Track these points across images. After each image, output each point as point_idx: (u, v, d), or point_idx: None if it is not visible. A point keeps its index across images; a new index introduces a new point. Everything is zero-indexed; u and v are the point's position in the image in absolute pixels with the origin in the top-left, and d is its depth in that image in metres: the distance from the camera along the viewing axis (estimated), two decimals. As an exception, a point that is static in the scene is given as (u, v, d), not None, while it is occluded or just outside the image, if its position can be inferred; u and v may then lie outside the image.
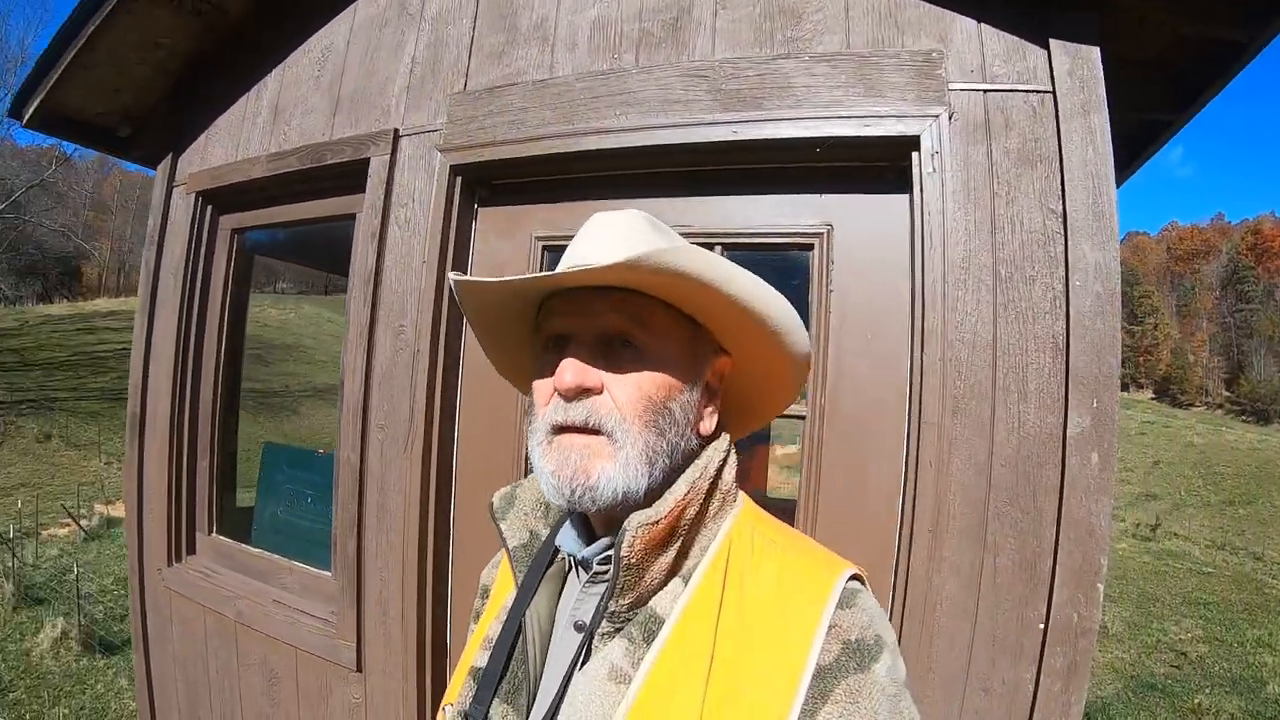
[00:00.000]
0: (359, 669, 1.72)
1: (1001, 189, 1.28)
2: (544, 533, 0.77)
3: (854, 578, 0.67)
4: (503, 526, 0.78)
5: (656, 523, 0.63)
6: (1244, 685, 5.94)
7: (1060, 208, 1.24)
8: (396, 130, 1.78)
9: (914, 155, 1.33)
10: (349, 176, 1.85)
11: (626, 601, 0.65)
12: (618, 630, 0.65)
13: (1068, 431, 1.19)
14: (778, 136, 1.39)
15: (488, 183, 1.75)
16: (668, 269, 0.62)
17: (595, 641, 0.66)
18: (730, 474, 0.72)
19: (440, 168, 1.70)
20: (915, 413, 1.30)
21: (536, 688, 0.69)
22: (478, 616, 0.87)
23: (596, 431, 0.65)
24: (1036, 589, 1.21)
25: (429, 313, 1.68)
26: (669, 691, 0.61)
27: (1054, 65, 1.25)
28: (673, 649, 0.62)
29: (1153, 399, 62.64)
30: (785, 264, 1.57)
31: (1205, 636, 7.60)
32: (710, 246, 1.52)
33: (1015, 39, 1.30)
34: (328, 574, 1.87)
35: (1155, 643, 7.30)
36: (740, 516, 0.71)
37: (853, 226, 1.44)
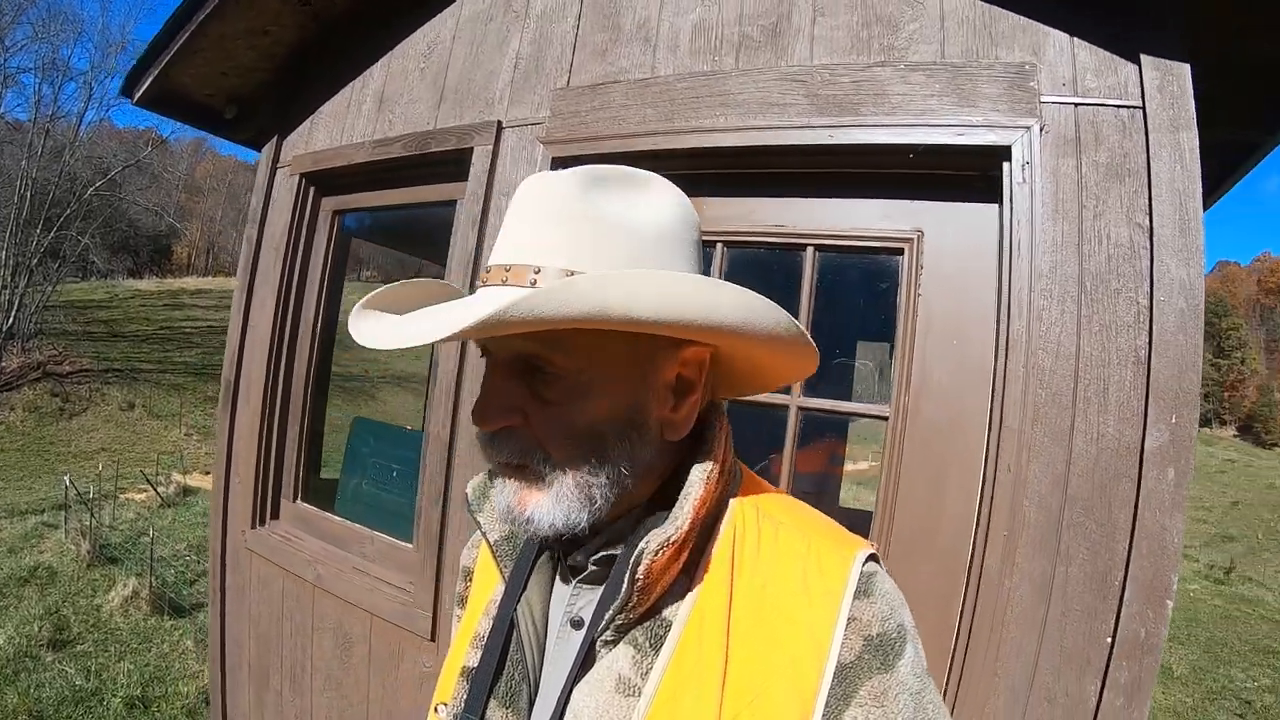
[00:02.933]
0: (432, 638, 2.09)
1: (1089, 202, 1.51)
2: None
3: (869, 557, 0.70)
4: (480, 519, 0.80)
5: (675, 542, 0.66)
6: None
7: (1147, 223, 1.46)
8: (500, 122, 2.15)
9: (1005, 165, 1.57)
10: (451, 164, 2.24)
11: (636, 616, 0.67)
12: (621, 636, 0.68)
13: (1145, 446, 1.41)
14: (872, 142, 1.67)
15: (584, 177, 2.09)
16: (542, 318, 0.58)
17: (598, 647, 0.69)
18: (724, 452, 0.73)
19: (542, 159, 2.05)
20: (997, 419, 1.54)
21: (536, 691, 0.73)
22: (461, 601, 0.93)
23: (523, 468, 0.68)
24: (1106, 601, 1.43)
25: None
26: (682, 702, 0.64)
27: (1144, 80, 1.48)
28: (683, 655, 0.65)
29: (1236, 436, 63.71)
30: (874, 267, 1.85)
31: (1273, 686, 7.79)
32: (803, 247, 1.81)
33: (1106, 53, 1.53)
34: (408, 545, 2.26)
35: (1221, 689, 7.65)
36: (742, 494, 0.74)
37: (941, 233, 1.70)
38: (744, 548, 0.69)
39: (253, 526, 2.59)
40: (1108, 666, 1.40)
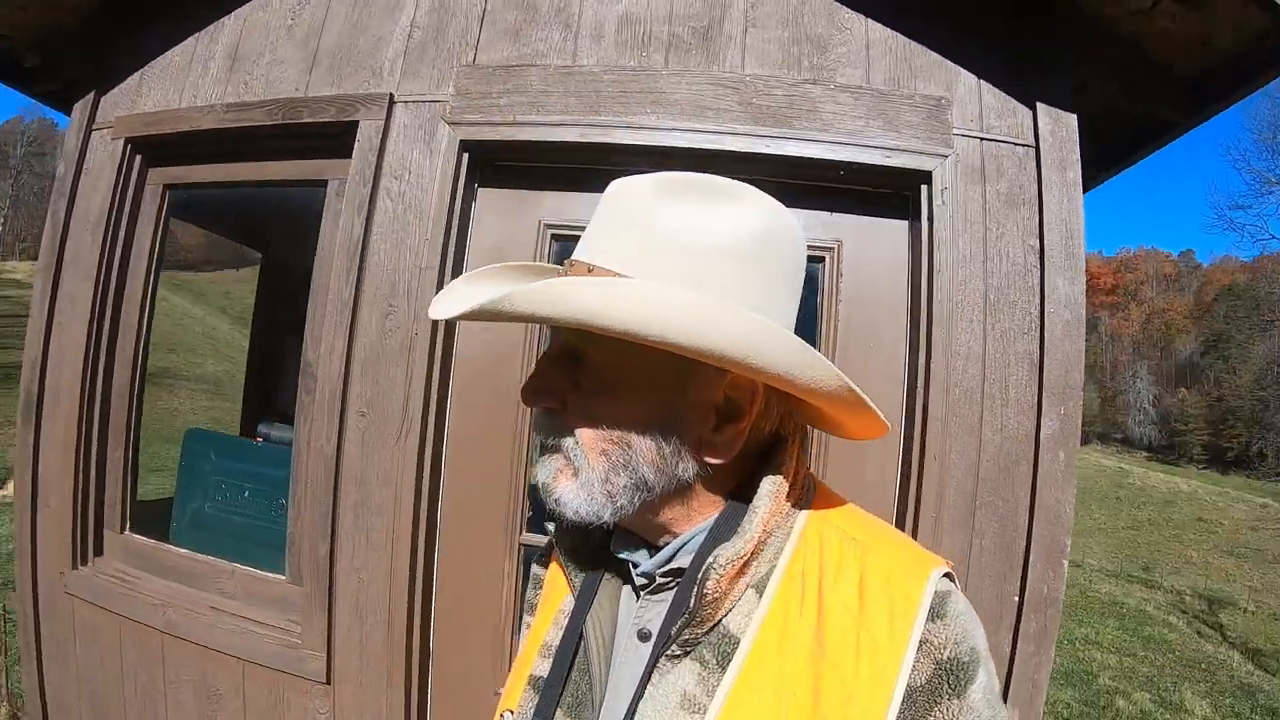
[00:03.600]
0: (327, 680, 1.83)
1: (992, 225, 1.72)
2: (597, 533, 0.78)
3: (944, 575, 0.69)
4: (551, 528, 0.83)
5: (742, 557, 0.66)
6: (1076, 678, 7.36)
7: (1038, 245, 1.70)
8: (391, 95, 1.90)
9: (923, 188, 1.73)
10: (327, 138, 1.94)
11: (702, 631, 0.67)
12: (688, 652, 0.67)
13: (1040, 433, 1.65)
14: (808, 156, 1.74)
15: (492, 162, 1.93)
16: (512, 313, 0.61)
17: (663, 661, 0.68)
18: (797, 466, 0.73)
19: (448, 142, 1.85)
20: (920, 413, 1.70)
21: (602, 702, 0.73)
22: (531, 609, 0.93)
23: (557, 450, 0.70)
24: (1012, 566, 1.66)
25: (431, 294, 1.83)
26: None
27: (1039, 124, 1.71)
28: (750, 673, 0.65)
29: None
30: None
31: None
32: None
33: (1007, 97, 1.75)
34: (279, 577, 1.94)
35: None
36: (814, 513, 0.73)
37: (858, 244, 1.83)
38: (817, 564, 0.69)
39: (74, 566, 2.04)
40: (1018, 620, 1.63)
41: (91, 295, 2.03)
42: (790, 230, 0.70)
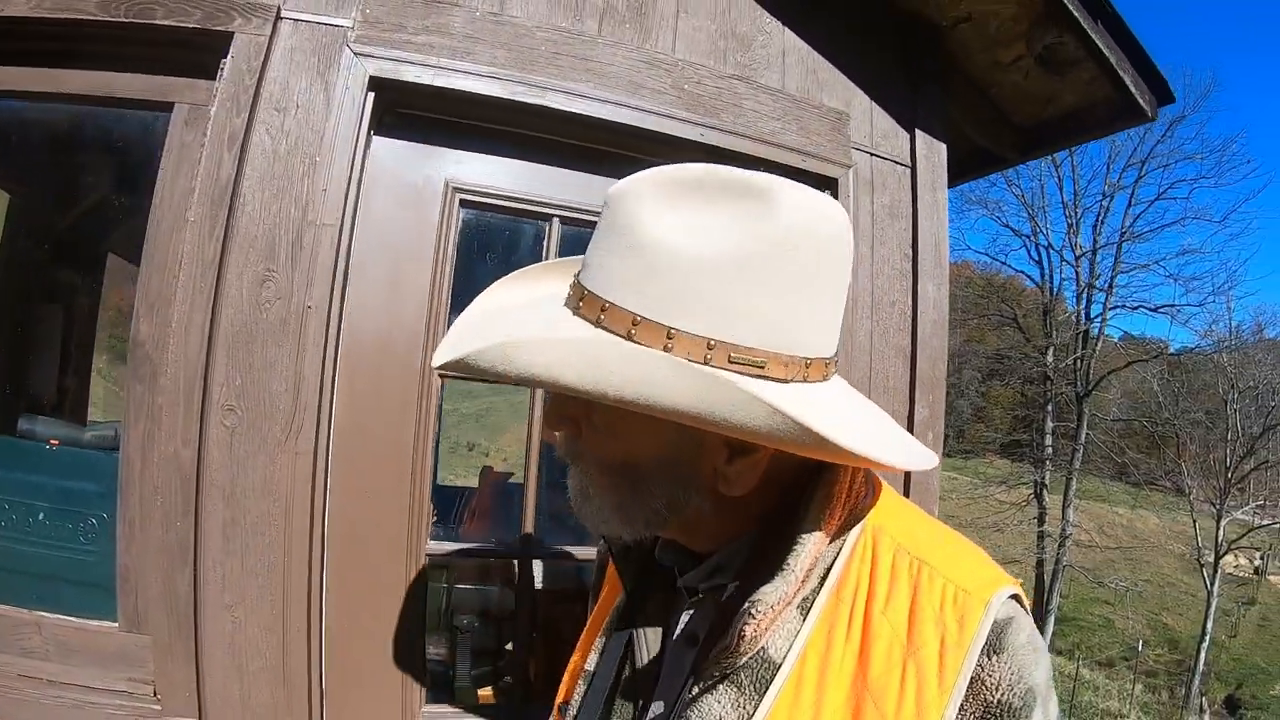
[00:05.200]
0: (202, 745, 1.41)
1: (879, 233, 1.91)
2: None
3: (1011, 597, 0.63)
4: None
5: (786, 601, 0.62)
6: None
7: (911, 253, 1.93)
8: (278, 9, 1.49)
9: (826, 193, 1.86)
10: (183, 49, 1.46)
11: (743, 661, 0.63)
12: (726, 675, 0.63)
13: (914, 417, 1.89)
14: (734, 149, 1.75)
15: (394, 108, 1.62)
16: (481, 372, 0.61)
17: (701, 680, 0.65)
18: (850, 477, 0.66)
19: (353, 75, 1.51)
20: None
21: (650, 702, 0.71)
22: (596, 591, 0.92)
23: (575, 473, 0.70)
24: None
25: (329, 256, 1.49)
26: None
27: (915, 148, 1.95)
28: (785, 703, 0.61)
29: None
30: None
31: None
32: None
33: (893, 121, 1.95)
34: (108, 624, 1.42)
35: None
36: (872, 519, 0.67)
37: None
38: (864, 585, 0.64)
39: None
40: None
41: None
42: (815, 225, 0.61)
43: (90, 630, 1.43)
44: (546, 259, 1.67)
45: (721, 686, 0.63)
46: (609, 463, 0.67)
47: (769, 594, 0.60)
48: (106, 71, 1.47)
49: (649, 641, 0.74)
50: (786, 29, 1.87)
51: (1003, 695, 0.58)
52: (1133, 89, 1.79)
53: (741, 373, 0.58)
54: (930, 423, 1.89)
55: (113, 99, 1.50)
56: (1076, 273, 18.92)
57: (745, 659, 0.62)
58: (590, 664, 0.79)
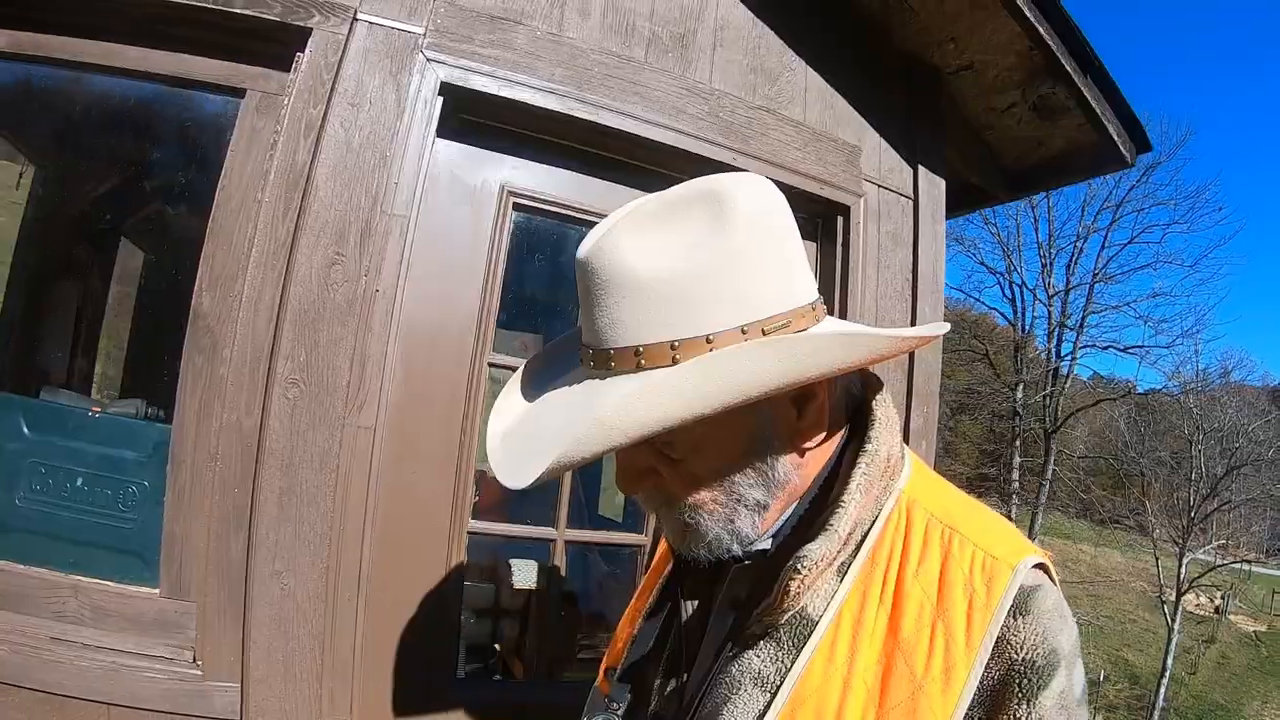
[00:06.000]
0: (241, 718, 1.43)
1: (883, 257, 2.07)
2: None
3: (1036, 565, 0.65)
4: None
5: (830, 559, 0.65)
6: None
7: (912, 277, 2.10)
8: (355, 10, 1.58)
9: (839, 220, 2.02)
10: (259, 39, 1.53)
11: (784, 619, 0.66)
12: (767, 631, 0.66)
13: (910, 427, 2.04)
14: (761, 174, 1.89)
15: (458, 113, 1.71)
16: (608, 448, 0.61)
17: (742, 636, 0.68)
18: (889, 449, 0.70)
19: (425, 79, 1.59)
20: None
21: (693, 663, 0.74)
22: (651, 557, 0.96)
23: (672, 517, 0.71)
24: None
25: (400, 245, 1.57)
26: (813, 706, 0.62)
27: (918, 182, 2.12)
28: (821, 659, 0.63)
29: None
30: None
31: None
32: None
33: (899, 157, 2.13)
34: (148, 590, 1.43)
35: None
36: (906, 491, 0.70)
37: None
38: (899, 548, 0.67)
39: None
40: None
41: None
42: (763, 199, 0.69)
43: (129, 595, 1.43)
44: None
45: (762, 642, 0.66)
46: (705, 480, 0.68)
47: (814, 550, 0.64)
48: (182, 54, 1.53)
49: (694, 605, 0.78)
50: (809, 67, 2.03)
51: (1027, 654, 0.60)
52: (1115, 137, 2.00)
53: (782, 335, 0.65)
54: (924, 432, 2.04)
55: (188, 80, 1.55)
56: (1049, 311, 19.26)
57: (786, 616, 0.65)
58: (639, 630, 0.81)
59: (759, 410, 0.65)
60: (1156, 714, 16.08)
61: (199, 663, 1.43)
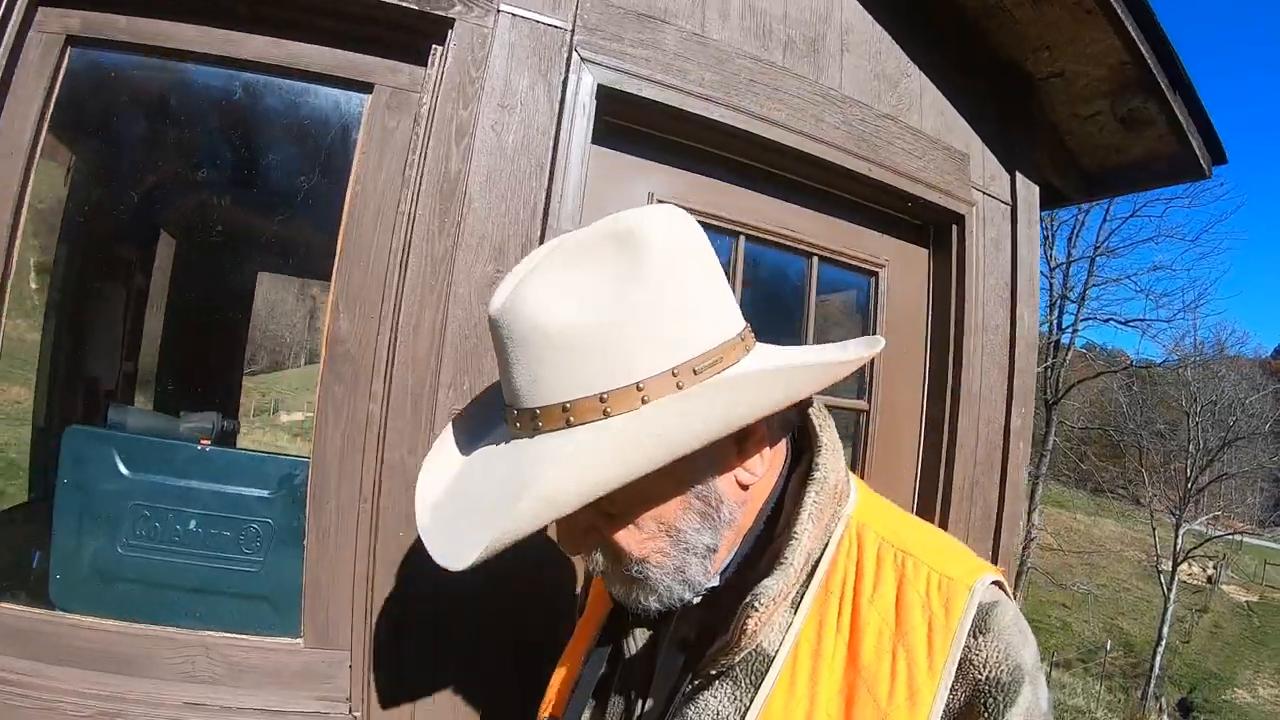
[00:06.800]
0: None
1: (988, 264, 2.06)
2: None
3: (993, 583, 0.64)
4: None
5: (785, 594, 0.63)
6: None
7: (1011, 284, 2.09)
8: (497, 1, 1.42)
9: (953, 228, 1.98)
10: (392, 30, 1.37)
11: (740, 658, 0.64)
12: (723, 672, 0.64)
13: (1010, 426, 2.05)
14: (893, 185, 1.83)
15: (605, 116, 1.57)
16: (547, 522, 0.58)
17: (697, 678, 0.66)
18: (836, 475, 0.68)
19: (581, 80, 1.45)
20: (948, 414, 1.96)
21: (642, 710, 0.71)
22: (581, 608, 0.90)
23: (618, 572, 0.68)
24: (989, 529, 2.03)
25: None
26: None
27: (1016, 189, 2.10)
28: (781, 694, 0.61)
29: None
30: (844, 283, 2.02)
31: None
32: (809, 255, 1.85)
33: (999, 164, 2.10)
34: (288, 641, 1.29)
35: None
36: (855, 515, 0.69)
37: (897, 267, 2.00)
38: (852, 575, 0.65)
39: None
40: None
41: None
42: (677, 233, 0.65)
43: (268, 648, 1.28)
44: (734, 274, 1.69)
45: (717, 682, 0.64)
46: (650, 533, 0.65)
47: (771, 586, 0.61)
48: (293, 41, 1.34)
49: (638, 645, 0.75)
50: (922, 73, 1.97)
51: (991, 673, 0.58)
52: (1196, 149, 2.05)
53: (715, 373, 0.63)
54: (1021, 431, 2.06)
55: (300, 71, 1.37)
56: (1050, 284, 18.68)
57: (741, 654, 0.63)
58: (580, 672, 0.77)
59: (698, 454, 0.61)
60: (1152, 681, 15.79)
61: (354, 715, 1.30)
